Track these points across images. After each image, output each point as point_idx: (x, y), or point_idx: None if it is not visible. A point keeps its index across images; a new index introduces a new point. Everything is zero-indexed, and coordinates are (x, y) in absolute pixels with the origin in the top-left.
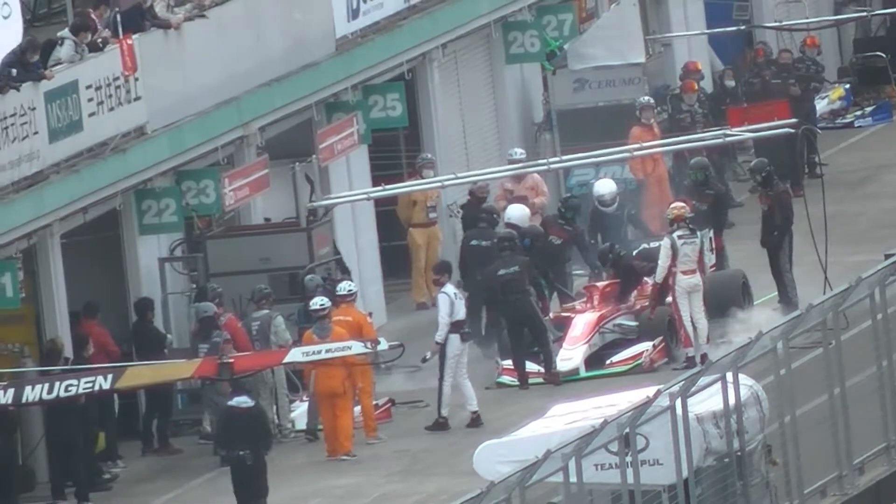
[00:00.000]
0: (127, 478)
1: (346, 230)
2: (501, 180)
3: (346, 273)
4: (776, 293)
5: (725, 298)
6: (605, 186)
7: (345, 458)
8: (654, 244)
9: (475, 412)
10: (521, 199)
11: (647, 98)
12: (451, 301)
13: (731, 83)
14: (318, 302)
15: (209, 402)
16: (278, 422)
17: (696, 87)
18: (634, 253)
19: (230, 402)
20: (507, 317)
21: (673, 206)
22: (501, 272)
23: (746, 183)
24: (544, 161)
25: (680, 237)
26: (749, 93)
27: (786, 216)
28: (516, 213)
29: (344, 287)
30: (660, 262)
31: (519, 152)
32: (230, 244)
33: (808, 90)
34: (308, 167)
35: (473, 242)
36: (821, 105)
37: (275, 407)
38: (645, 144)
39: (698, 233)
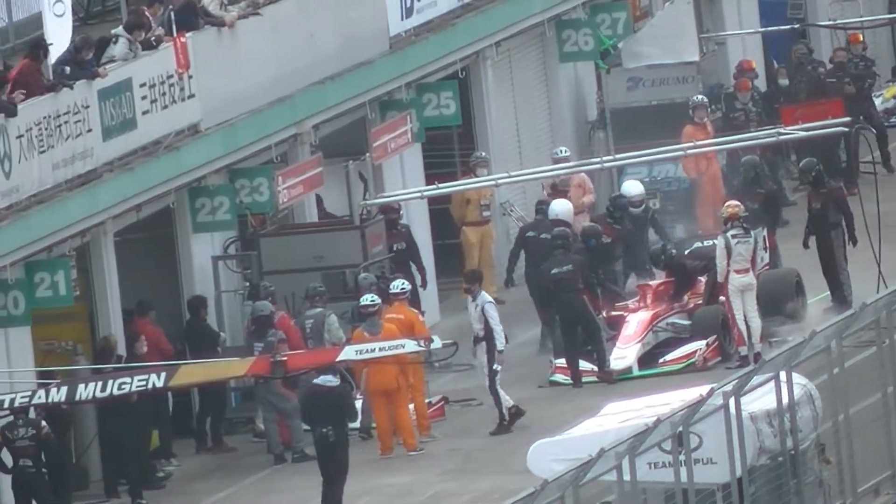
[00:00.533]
0: (181, 476)
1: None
2: (546, 179)
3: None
4: (829, 292)
5: (779, 297)
6: (634, 187)
7: (412, 453)
8: (707, 243)
9: (512, 406)
10: (564, 195)
11: (700, 97)
12: (495, 307)
13: (784, 82)
14: (367, 298)
15: (262, 400)
16: None
17: (750, 86)
18: (686, 252)
19: (315, 381)
20: (561, 315)
21: (727, 204)
22: (554, 271)
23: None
24: (598, 159)
25: (734, 236)
26: (790, 92)
27: (843, 212)
28: (561, 207)
29: (396, 285)
30: (717, 262)
31: (563, 150)
32: (284, 242)
33: (864, 88)
34: (362, 165)
35: (529, 234)
36: (875, 103)
37: None
38: (698, 143)
39: (752, 232)
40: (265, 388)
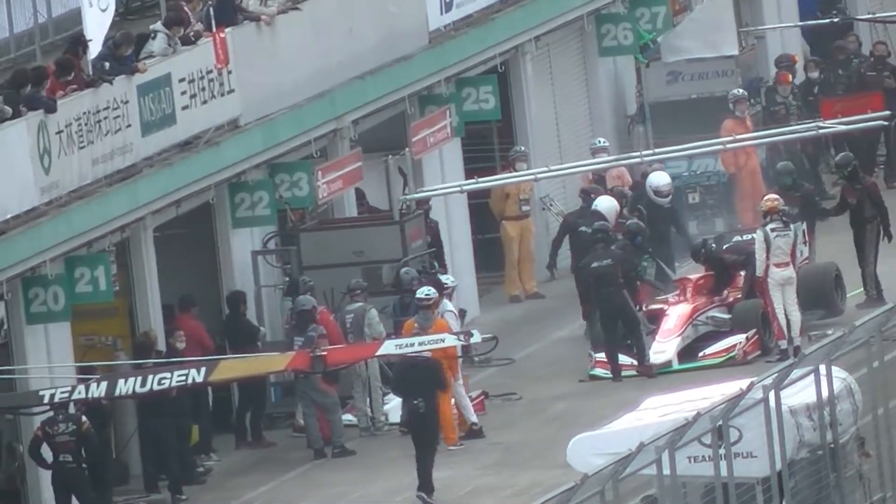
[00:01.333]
0: (221, 471)
1: (440, 223)
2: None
3: (441, 266)
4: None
5: (818, 291)
6: (662, 178)
7: (452, 448)
8: (746, 237)
9: (475, 423)
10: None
11: (740, 91)
12: (456, 316)
13: (814, 74)
14: (424, 291)
15: (302, 395)
16: (372, 414)
17: (791, 79)
18: (725, 247)
19: None
20: (601, 310)
21: (767, 198)
22: (595, 265)
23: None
24: (637, 153)
25: (773, 230)
26: (823, 85)
27: (878, 207)
28: (605, 204)
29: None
30: (756, 255)
31: (601, 141)
32: (323, 237)
33: None
34: (401, 160)
35: (582, 229)
36: None
37: (368, 400)
38: (738, 137)
39: (791, 226)
40: (305, 382)
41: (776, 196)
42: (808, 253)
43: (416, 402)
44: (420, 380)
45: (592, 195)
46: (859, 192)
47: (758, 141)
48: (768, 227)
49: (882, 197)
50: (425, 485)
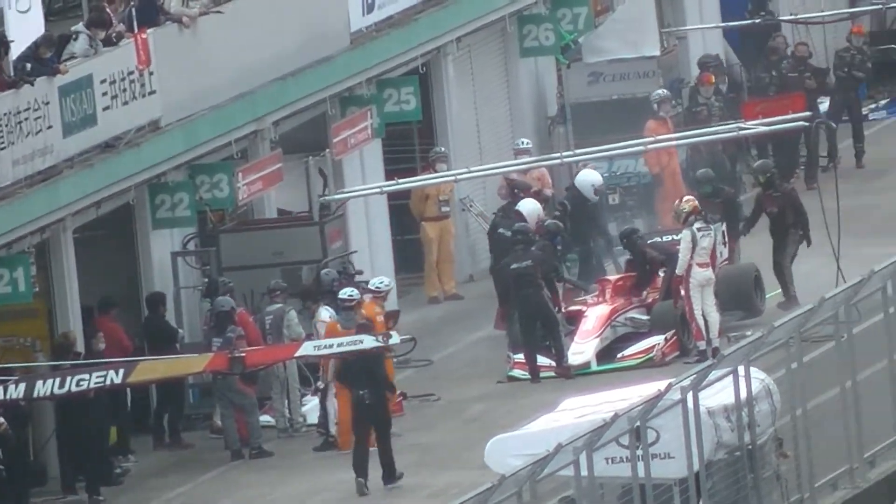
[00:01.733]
0: (138, 472)
1: (360, 224)
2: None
3: (355, 271)
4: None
5: (738, 292)
6: (597, 176)
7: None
8: (665, 238)
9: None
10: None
11: (665, 91)
12: (325, 325)
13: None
14: (347, 292)
15: (221, 396)
16: (289, 415)
17: (713, 80)
18: (649, 242)
19: None
20: (520, 310)
21: (686, 199)
22: (514, 266)
23: None
24: (558, 154)
25: (699, 229)
26: (757, 87)
27: (799, 214)
28: (527, 206)
29: (374, 283)
30: (681, 254)
31: (525, 142)
32: (243, 238)
33: (852, 80)
34: (322, 161)
35: (500, 230)
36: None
37: (286, 401)
38: (660, 138)
39: (712, 226)
40: (223, 384)
41: (693, 197)
42: (728, 254)
43: (361, 392)
44: (364, 370)
45: (517, 191)
46: (779, 199)
47: (680, 142)
48: (694, 227)
49: (801, 202)
50: (390, 472)
